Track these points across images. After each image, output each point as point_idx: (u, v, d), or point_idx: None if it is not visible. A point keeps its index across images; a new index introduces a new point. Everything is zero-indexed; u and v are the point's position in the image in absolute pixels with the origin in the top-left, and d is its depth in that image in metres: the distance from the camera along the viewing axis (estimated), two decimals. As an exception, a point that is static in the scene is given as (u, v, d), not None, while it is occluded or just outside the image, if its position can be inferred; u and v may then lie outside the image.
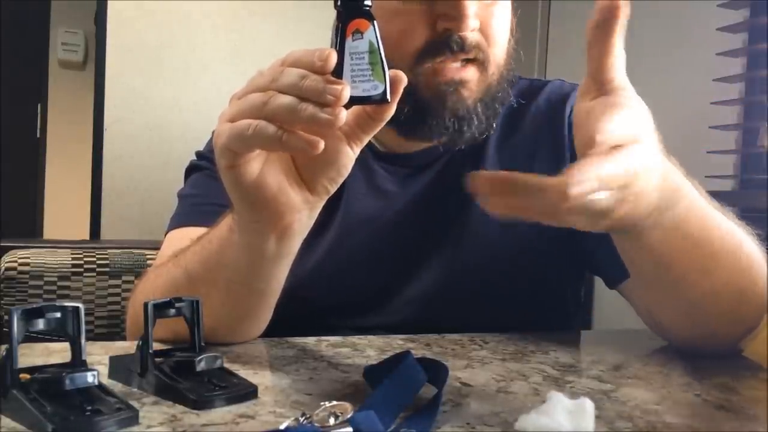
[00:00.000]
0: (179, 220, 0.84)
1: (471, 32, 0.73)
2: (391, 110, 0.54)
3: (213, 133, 0.91)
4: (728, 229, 0.64)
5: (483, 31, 0.75)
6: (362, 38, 0.51)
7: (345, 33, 0.51)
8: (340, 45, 0.51)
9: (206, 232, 0.68)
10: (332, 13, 0.53)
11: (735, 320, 0.67)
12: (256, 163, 0.55)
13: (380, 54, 0.51)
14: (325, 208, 0.62)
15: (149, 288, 0.72)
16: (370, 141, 0.84)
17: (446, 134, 0.76)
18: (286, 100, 0.50)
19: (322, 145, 0.51)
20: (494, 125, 0.81)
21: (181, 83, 2.36)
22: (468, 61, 0.74)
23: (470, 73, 0.75)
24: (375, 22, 0.51)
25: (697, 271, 0.64)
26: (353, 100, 0.51)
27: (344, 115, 0.49)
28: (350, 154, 0.57)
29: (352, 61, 0.51)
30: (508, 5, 0.79)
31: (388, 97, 0.52)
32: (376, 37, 0.51)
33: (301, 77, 0.50)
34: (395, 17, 0.72)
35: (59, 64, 3.68)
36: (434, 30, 0.73)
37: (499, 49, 0.77)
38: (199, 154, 0.92)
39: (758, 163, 1.93)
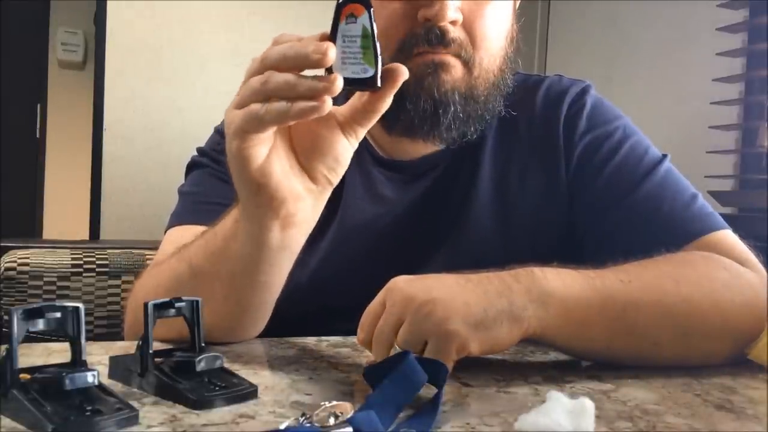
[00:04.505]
0: (179, 218, 0.84)
1: (453, 27, 0.74)
2: (386, 101, 0.55)
3: (215, 129, 0.91)
4: (662, 289, 0.65)
5: (468, 30, 0.75)
6: (356, 22, 0.52)
7: (339, 16, 0.53)
8: (333, 27, 0.53)
9: (211, 227, 0.69)
10: (332, 14, 0.53)
11: (730, 344, 0.66)
12: (264, 147, 0.57)
13: (373, 40, 0.53)
14: (323, 211, 0.62)
15: (151, 285, 0.72)
16: (370, 145, 0.85)
17: (423, 120, 0.76)
18: (282, 76, 0.52)
19: (328, 103, 0.52)
20: (479, 130, 0.81)
21: (181, 83, 2.36)
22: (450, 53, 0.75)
23: (452, 60, 0.75)
24: (371, 9, 0.53)
25: (661, 343, 0.64)
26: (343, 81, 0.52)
27: (340, 83, 0.52)
28: (347, 145, 0.59)
29: (343, 44, 0.52)
30: (504, 10, 0.78)
31: (379, 82, 0.53)
32: (371, 23, 0.52)
33: (288, 50, 0.53)
34: (380, 8, 0.73)
35: (59, 64, 3.67)
36: (416, 21, 0.74)
37: (487, 55, 0.77)
38: (200, 150, 0.91)
39: (758, 163, 1.93)
